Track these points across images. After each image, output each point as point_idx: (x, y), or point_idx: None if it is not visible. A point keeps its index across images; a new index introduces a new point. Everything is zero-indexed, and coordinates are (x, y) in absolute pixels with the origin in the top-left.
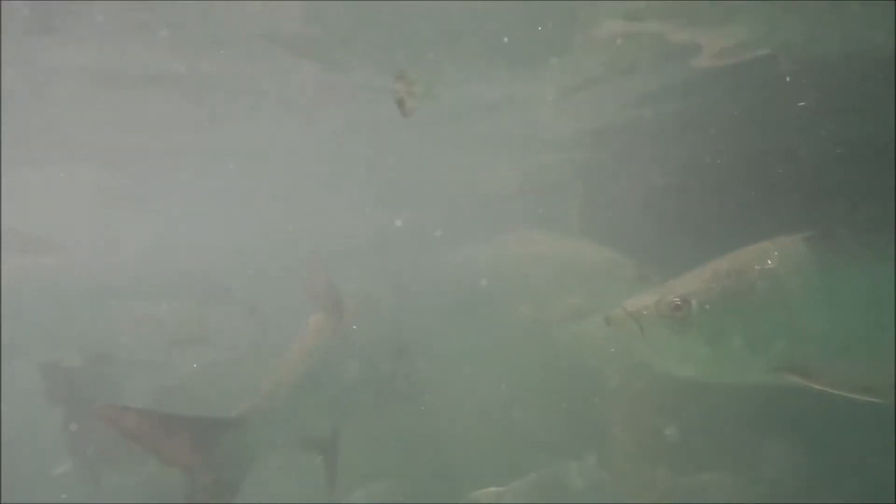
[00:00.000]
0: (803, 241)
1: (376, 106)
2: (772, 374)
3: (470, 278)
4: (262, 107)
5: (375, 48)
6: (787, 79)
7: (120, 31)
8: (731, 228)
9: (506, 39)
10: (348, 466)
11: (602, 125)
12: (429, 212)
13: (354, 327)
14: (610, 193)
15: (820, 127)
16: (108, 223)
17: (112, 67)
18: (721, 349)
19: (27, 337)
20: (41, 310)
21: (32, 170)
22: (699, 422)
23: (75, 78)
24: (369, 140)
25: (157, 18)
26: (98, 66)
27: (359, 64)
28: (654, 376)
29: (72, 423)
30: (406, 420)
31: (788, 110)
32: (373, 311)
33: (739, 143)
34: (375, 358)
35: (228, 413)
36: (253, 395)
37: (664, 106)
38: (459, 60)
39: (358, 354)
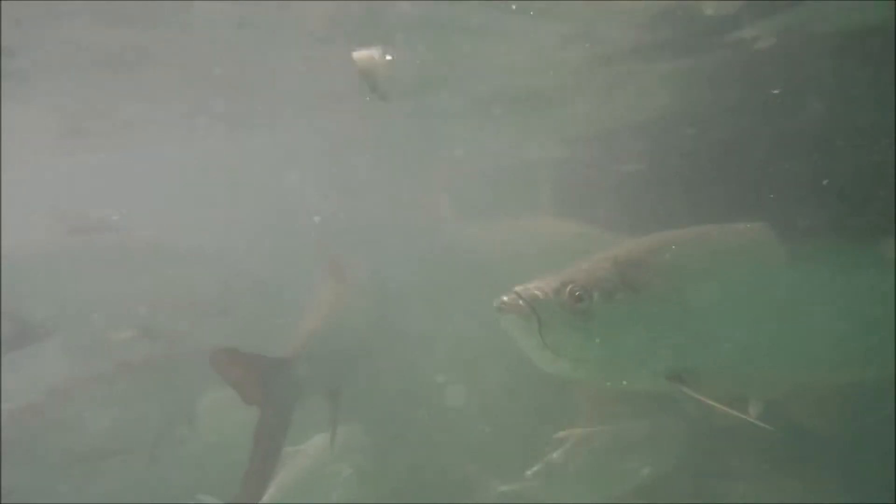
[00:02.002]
0: (722, 231)
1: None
2: (661, 380)
3: (472, 258)
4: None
5: None
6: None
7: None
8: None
9: None
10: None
11: None
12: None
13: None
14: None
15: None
16: (157, 204)
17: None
18: (617, 349)
19: (81, 313)
20: (94, 286)
21: (88, 154)
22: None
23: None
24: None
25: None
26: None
27: None
28: None
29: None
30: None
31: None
32: (365, 283)
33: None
34: (369, 320)
35: (280, 354)
36: (292, 342)
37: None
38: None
39: (359, 316)
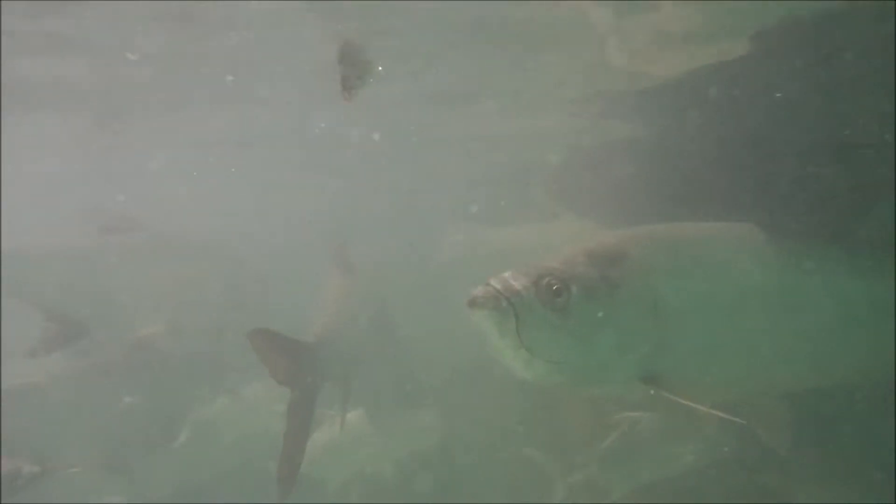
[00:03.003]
0: (708, 229)
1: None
2: (637, 384)
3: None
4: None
5: None
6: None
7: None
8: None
9: None
10: None
11: None
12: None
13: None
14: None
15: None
16: (186, 203)
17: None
18: (594, 350)
19: (115, 310)
20: (125, 284)
21: (120, 153)
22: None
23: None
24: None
25: None
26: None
27: None
28: None
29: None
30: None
31: None
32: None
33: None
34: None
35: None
36: (313, 329)
37: None
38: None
39: (366, 305)
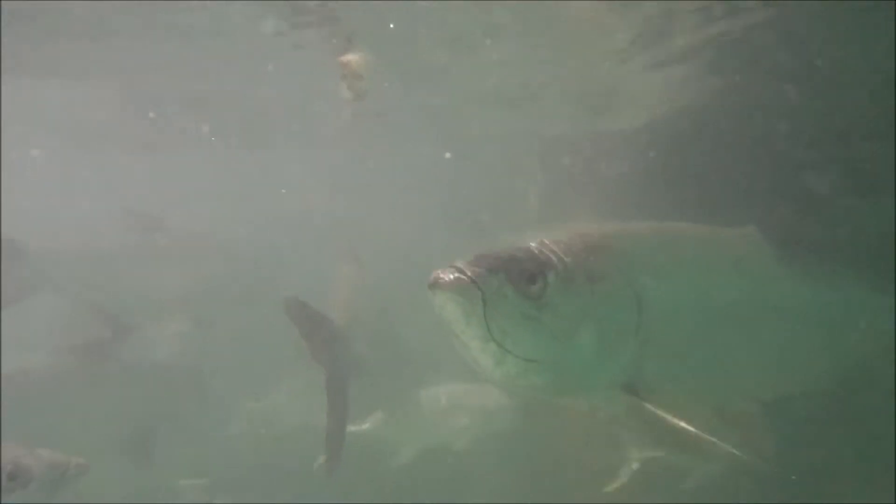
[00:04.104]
0: (699, 230)
1: None
2: (618, 392)
3: None
4: None
5: None
6: None
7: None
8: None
9: None
10: None
11: None
12: None
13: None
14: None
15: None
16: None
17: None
18: (572, 349)
19: (143, 307)
20: (161, 283)
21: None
22: None
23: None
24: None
25: None
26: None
27: None
28: None
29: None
30: None
31: None
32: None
33: None
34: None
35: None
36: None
37: None
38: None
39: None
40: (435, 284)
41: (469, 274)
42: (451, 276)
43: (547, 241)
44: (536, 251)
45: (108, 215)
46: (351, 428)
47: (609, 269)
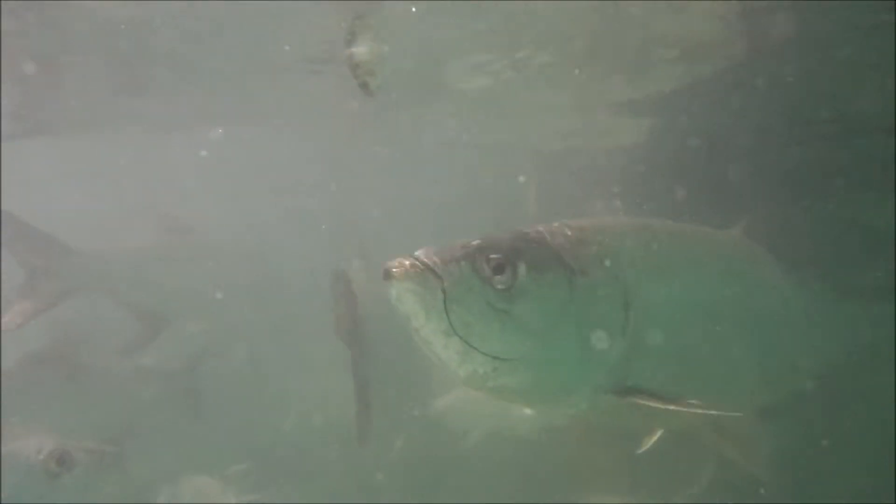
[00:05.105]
0: (686, 230)
1: None
2: (603, 396)
3: None
4: None
5: None
6: None
7: None
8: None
9: None
10: None
11: None
12: None
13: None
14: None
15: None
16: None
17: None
18: (548, 347)
19: (172, 305)
20: (187, 283)
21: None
22: None
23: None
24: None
25: None
26: None
27: None
28: None
29: None
30: None
31: None
32: None
33: None
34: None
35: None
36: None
37: None
38: None
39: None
40: (390, 274)
41: (427, 262)
42: (408, 264)
43: (525, 231)
44: (509, 240)
45: (140, 216)
46: (424, 408)
47: (593, 262)
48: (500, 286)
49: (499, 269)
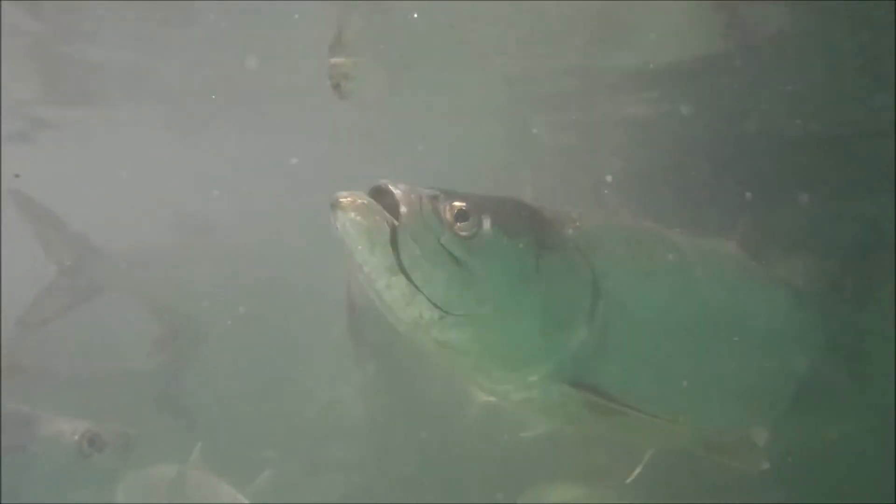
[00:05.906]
0: (667, 232)
1: None
2: (563, 386)
3: None
4: None
5: None
6: None
7: None
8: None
9: None
10: None
11: None
12: None
13: None
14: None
15: None
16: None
17: None
18: (506, 312)
19: (195, 299)
20: (207, 283)
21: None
22: None
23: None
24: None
25: None
26: None
27: None
28: None
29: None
30: None
31: None
32: None
33: None
34: None
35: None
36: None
37: None
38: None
39: None
40: (335, 204)
41: (391, 188)
42: (357, 196)
43: (505, 197)
44: (482, 196)
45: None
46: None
47: (565, 243)
48: (461, 232)
49: (462, 216)
